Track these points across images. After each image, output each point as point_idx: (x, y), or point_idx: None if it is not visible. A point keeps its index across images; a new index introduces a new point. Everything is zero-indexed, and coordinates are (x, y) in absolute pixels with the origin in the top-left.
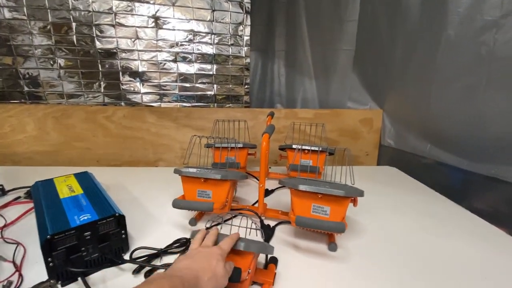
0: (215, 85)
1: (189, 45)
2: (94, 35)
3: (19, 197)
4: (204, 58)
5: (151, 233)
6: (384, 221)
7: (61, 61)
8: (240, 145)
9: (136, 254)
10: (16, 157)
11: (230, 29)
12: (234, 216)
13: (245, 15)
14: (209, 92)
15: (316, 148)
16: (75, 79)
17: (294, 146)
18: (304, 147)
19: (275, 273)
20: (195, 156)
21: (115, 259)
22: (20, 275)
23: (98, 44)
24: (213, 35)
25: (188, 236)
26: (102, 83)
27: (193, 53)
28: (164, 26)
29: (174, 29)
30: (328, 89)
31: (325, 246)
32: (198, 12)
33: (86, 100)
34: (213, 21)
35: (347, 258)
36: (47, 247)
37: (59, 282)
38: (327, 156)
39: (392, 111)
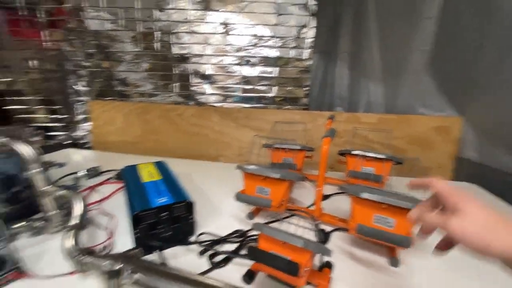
0: (274, 87)
1: (253, 49)
2: (171, 42)
3: (110, 178)
4: (266, 61)
5: (213, 222)
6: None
7: (145, 65)
8: (298, 147)
9: (201, 238)
10: (107, 144)
11: (294, 32)
12: (290, 216)
13: (310, 17)
14: (268, 94)
15: (382, 156)
16: (154, 80)
17: (354, 152)
18: (367, 154)
19: (330, 277)
20: (254, 155)
21: (184, 240)
22: (112, 242)
23: (174, 50)
24: (276, 39)
25: (245, 228)
26: (175, 84)
27: (256, 56)
28: (232, 32)
29: (240, 35)
30: (396, 92)
31: (385, 259)
32: (263, 17)
33: (162, 99)
34: (277, 25)
35: (409, 276)
36: (136, 221)
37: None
38: (393, 165)
39: (476, 119)
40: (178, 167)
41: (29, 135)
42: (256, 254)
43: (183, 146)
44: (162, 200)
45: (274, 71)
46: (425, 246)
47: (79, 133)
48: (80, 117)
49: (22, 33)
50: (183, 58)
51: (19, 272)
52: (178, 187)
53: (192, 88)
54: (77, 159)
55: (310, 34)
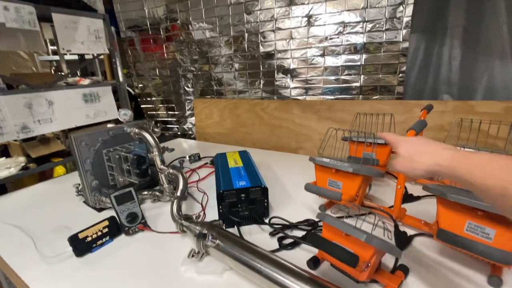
0: (361, 76)
1: (338, 37)
2: (259, 41)
3: (206, 163)
4: (352, 49)
5: (287, 208)
6: None
7: (236, 65)
8: (381, 141)
9: (274, 221)
10: (207, 135)
11: (387, 13)
12: (367, 214)
13: None
14: (354, 84)
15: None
16: (244, 78)
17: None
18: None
19: (402, 281)
20: (332, 148)
21: (259, 220)
22: (204, 213)
23: (261, 49)
24: (365, 23)
25: (316, 219)
26: (261, 81)
27: (342, 45)
28: (316, 23)
29: (324, 24)
30: None
31: (484, 277)
32: (350, 2)
33: (250, 95)
34: (366, 7)
35: None
36: (220, 198)
37: (224, 224)
38: None
39: None
40: (260, 157)
41: (152, 127)
42: (314, 240)
43: (266, 137)
44: (242, 184)
45: (360, 59)
46: None
47: (187, 126)
48: (188, 112)
49: (149, 48)
50: (269, 55)
51: (144, 226)
52: (256, 173)
53: (277, 83)
54: (184, 147)
55: (407, 12)
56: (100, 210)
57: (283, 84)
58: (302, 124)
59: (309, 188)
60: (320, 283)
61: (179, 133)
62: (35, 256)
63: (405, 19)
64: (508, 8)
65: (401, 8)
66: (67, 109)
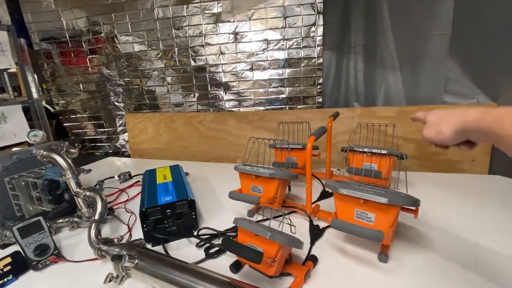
0: (287, 88)
1: (263, 53)
2: (190, 56)
3: (138, 181)
4: (276, 63)
5: (218, 217)
6: (464, 242)
7: (169, 79)
8: (299, 146)
9: (202, 232)
10: (142, 151)
11: (302, 32)
12: (286, 214)
13: (317, 16)
14: (281, 96)
15: (383, 152)
16: (179, 92)
17: (356, 149)
18: (365, 150)
19: (308, 269)
20: (261, 156)
21: (186, 234)
22: (130, 234)
23: (192, 63)
24: (285, 41)
25: None
26: (196, 93)
27: (267, 60)
28: (243, 40)
29: (250, 41)
30: (417, 82)
31: (375, 255)
32: (271, 22)
33: (185, 108)
34: (285, 27)
35: (397, 272)
36: (143, 216)
37: (150, 243)
38: (399, 161)
39: None
40: (198, 169)
41: (66, 148)
42: (226, 244)
43: (205, 150)
44: (167, 199)
45: (284, 73)
46: (421, 243)
47: (120, 142)
48: (120, 128)
49: (71, 62)
50: (201, 69)
51: (57, 257)
52: (184, 187)
53: (211, 96)
54: (118, 165)
55: (319, 32)
56: (3, 246)
57: (218, 97)
58: (238, 134)
59: (232, 195)
60: (235, 285)
61: (110, 151)
62: None
63: (318, 38)
64: (394, 30)
65: (313, 28)
66: None
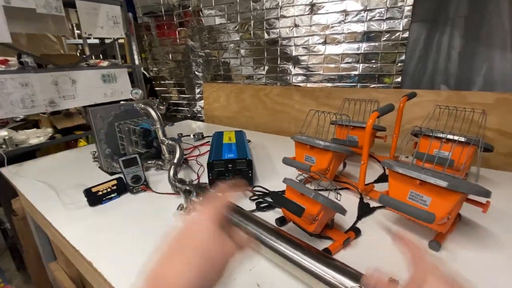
0: (361, 65)
1: (339, 25)
2: (264, 28)
3: (208, 141)
4: (353, 37)
5: (270, 180)
6: None
7: (243, 51)
8: (362, 125)
9: (255, 189)
10: (214, 118)
11: (388, 2)
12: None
13: None
14: (353, 72)
15: (457, 138)
16: (250, 64)
17: (427, 133)
18: (437, 135)
19: (349, 237)
20: (321, 132)
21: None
22: (198, 180)
23: (265, 36)
24: (366, 12)
25: None
26: (266, 66)
27: (343, 33)
28: (319, 12)
29: (327, 13)
30: None
31: (426, 242)
32: None
33: (254, 81)
34: None
35: (446, 264)
36: (210, 166)
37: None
38: (481, 153)
39: None
40: (259, 139)
41: (157, 104)
42: (273, 196)
43: (268, 122)
44: (230, 156)
45: (360, 48)
46: (482, 237)
47: (197, 108)
48: (198, 96)
49: (164, 34)
50: (273, 42)
51: (146, 187)
52: (245, 149)
53: (279, 70)
54: (193, 127)
55: (409, 1)
56: (111, 173)
57: (286, 71)
58: (302, 110)
59: (285, 160)
60: (281, 234)
61: (189, 115)
62: (58, 204)
63: (406, 8)
64: (511, 1)
65: None
66: (88, 87)
